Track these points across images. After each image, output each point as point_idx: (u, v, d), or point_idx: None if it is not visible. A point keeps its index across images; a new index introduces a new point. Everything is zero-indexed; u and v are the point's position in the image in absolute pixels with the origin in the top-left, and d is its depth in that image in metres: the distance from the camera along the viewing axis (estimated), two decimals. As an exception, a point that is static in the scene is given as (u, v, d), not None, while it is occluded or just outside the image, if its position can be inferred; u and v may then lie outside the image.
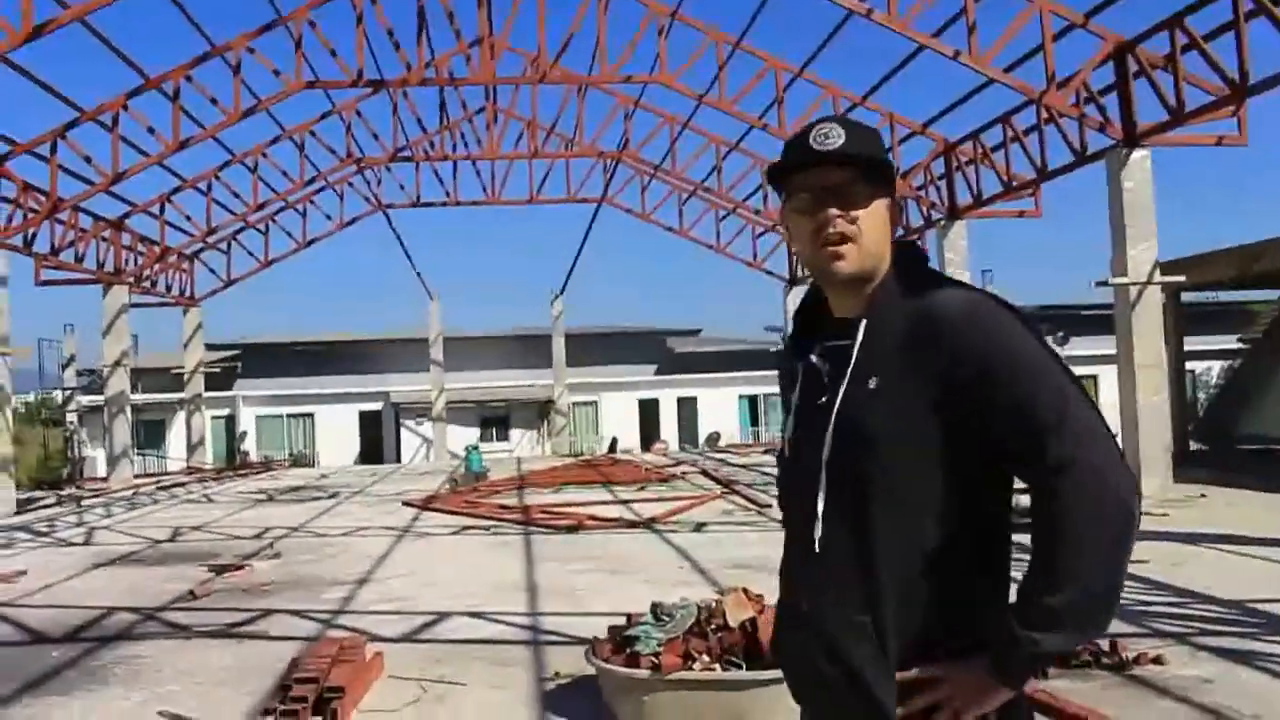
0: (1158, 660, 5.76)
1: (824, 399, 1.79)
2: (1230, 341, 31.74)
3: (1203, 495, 13.95)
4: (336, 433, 40.43)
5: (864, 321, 1.78)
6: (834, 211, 1.76)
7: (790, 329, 2.01)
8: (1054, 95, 14.63)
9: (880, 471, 1.71)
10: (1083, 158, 15.55)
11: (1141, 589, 7.77)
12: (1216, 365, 31.16)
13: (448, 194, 29.13)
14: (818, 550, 1.78)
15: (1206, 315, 33.47)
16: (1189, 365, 24.96)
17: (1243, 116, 14.17)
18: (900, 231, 1.90)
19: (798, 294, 30.57)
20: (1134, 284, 13.91)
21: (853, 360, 1.76)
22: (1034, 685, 4.45)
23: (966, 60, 14.57)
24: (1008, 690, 1.67)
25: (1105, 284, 14.33)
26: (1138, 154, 14.15)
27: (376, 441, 40.96)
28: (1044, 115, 16.28)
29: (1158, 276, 14.11)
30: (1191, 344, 24.02)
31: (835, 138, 1.76)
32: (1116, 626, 6.51)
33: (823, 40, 18.02)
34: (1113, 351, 14.88)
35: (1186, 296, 23.05)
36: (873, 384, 1.72)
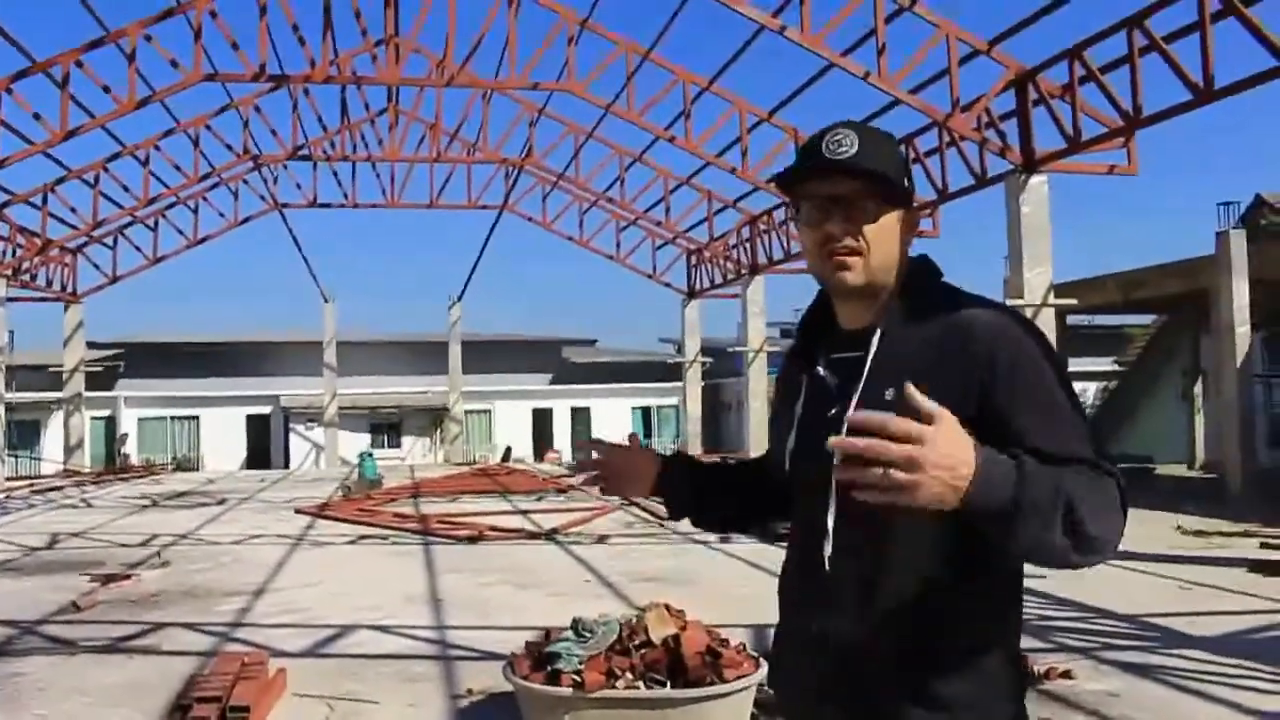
0: (1067, 675, 5.87)
1: (833, 411, 1.72)
2: (1108, 364, 32.97)
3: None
4: (223, 436, 39.28)
5: (878, 332, 1.72)
6: (840, 226, 1.71)
7: (796, 339, 1.94)
8: (957, 119, 14.95)
9: None
10: (982, 181, 15.93)
11: (1043, 604, 7.94)
12: (1093, 386, 32.30)
13: (346, 195, 28.54)
14: (827, 569, 1.72)
15: (1086, 337, 34.68)
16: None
17: (1133, 147, 14.68)
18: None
19: (696, 306, 31.00)
20: (1029, 305, 14.28)
21: (865, 371, 1.70)
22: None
23: (875, 80, 14.80)
24: (967, 480, 1.43)
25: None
26: (1035, 179, 14.55)
27: (264, 446, 39.94)
28: (946, 138, 16.64)
29: (1051, 299, 14.52)
30: (1072, 365, 24.83)
31: (848, 146, 1.70)
32: (1025, 642, 6.63)
33: (733, 54, 18.13)
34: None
35: (1071, 319, 23.84)
36: (889, 395, 1.64)
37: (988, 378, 1.62)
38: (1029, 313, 14.30)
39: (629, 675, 4.93)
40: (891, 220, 1.73)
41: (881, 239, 1.72)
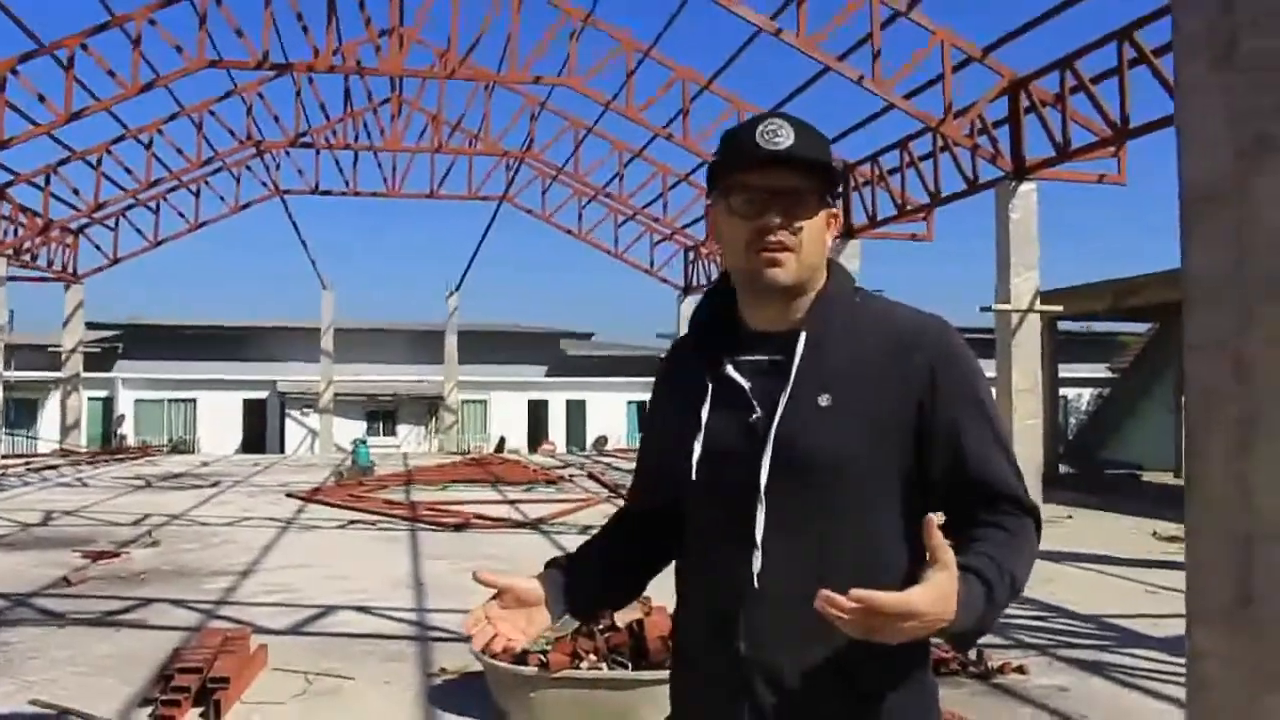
0: (1020, 670, 6.09)
1: (754, 417, 1.61)
2: (1101, 370, 33.18)
3: (1069, 517, 14.61)
4: (219, 420, 39.46)
5: (803, 335, 1.63)
6: (777, 220, 1.60)
7: (692, 337, 1.78)
8: (950, 125, 15.16)
9: (835, 496, 1.58)
10: (974, 186, 16.13)
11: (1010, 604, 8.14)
12: (1087, 392, 32.51)
13: (347, 183, 28.75)
14: (756, 586, 1.58)
15: (1080, 343, 34.90)
16: (1062, 391, 26.02)
17: (1122, 157, 14.88)
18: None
19: (692, 302, 31.14)
20: (1015, 311, 14.49)
21: (792, 375, 1.60)
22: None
23: (869, 85, 15.00)
24: (946, 623, 1.42)
25: (989, 309, 14.89)
26: (1025, 186, 14.75)
27: (260, 431, 40.10)
28: (940, 143, 16.83)
29: (1038, 305, 14.72)
30: (1065, 371, 25.05)
31: (785, 137, 1.59)
32: (985, 638, 6.84)
33: (731, 55, 18.32)
34: (992, 374, 15.48)
35: (1062, 325, 24.04)
36: (824, 401, 1.58)
37: (928, 391, 1.59)
38: (1014, 318, 14.52)
39: (593, 657, 5.15)
40: (822, 218, 1.65)
41: (814, 237, 1.64)
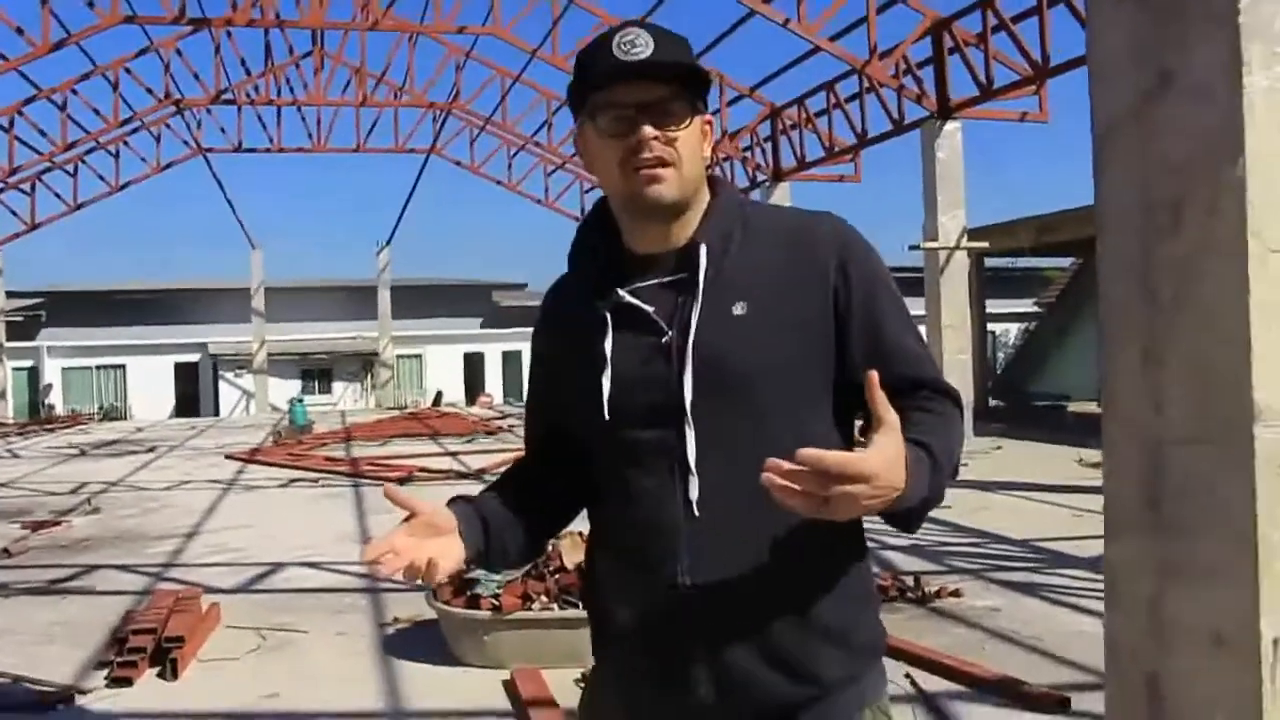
0: (955, 594, 6.33)
1: (666, 338, 1.53)
2: (1028, 305, 33.86)
3: (998, 448, 15.03)
4: (151, 385, 38.82)
5: (703, 247, 1.55)
6: (649, 131, 1.50)
7: (574, 273, 1.70)
8: (875, 66, 15.30)
9: (765, 408, 1.51)
10: (900, 127, 16.33)
11: (944, 532, 8.43)
12: (1014, 327, 33.16)
13: (271, 140, 28.26)
14: (697, 514, 1.51)
15: (1007, 280, 35.54)
16: (990, 327, 26.56)
17: (1044, 95, 15.18)
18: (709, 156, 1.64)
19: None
20: (943, 249, 14.77)
21: (700, 289, 1.53)
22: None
23: (795, 28, 15.07)
24: (897, 491, 1.35)
25: (917, 248, 15.16)
26: (950, 126, 14.98)
27: (193, 394, 39.57)
28: (866, 85, 16.98)
29: (965, 243, 15.01)
30: (993, 306, 25.54)
31: (643, 46, 1.50)
32: (920, 565, 7.10)
33: None
34: (922, 312, 15.79)
35: (990, 262, 24.49)
36: (738, 309, 1.52)
37: (841, 282, 1.54)
38: (942, 256, 14.80)
39: (544, 598, 5.27)
40: (697, 127, 1.56)
41: (692, 147, 1.55)
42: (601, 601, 1.67)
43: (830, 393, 1.56)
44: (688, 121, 1.54)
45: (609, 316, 1.58)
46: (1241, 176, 1.46)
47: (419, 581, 1.51)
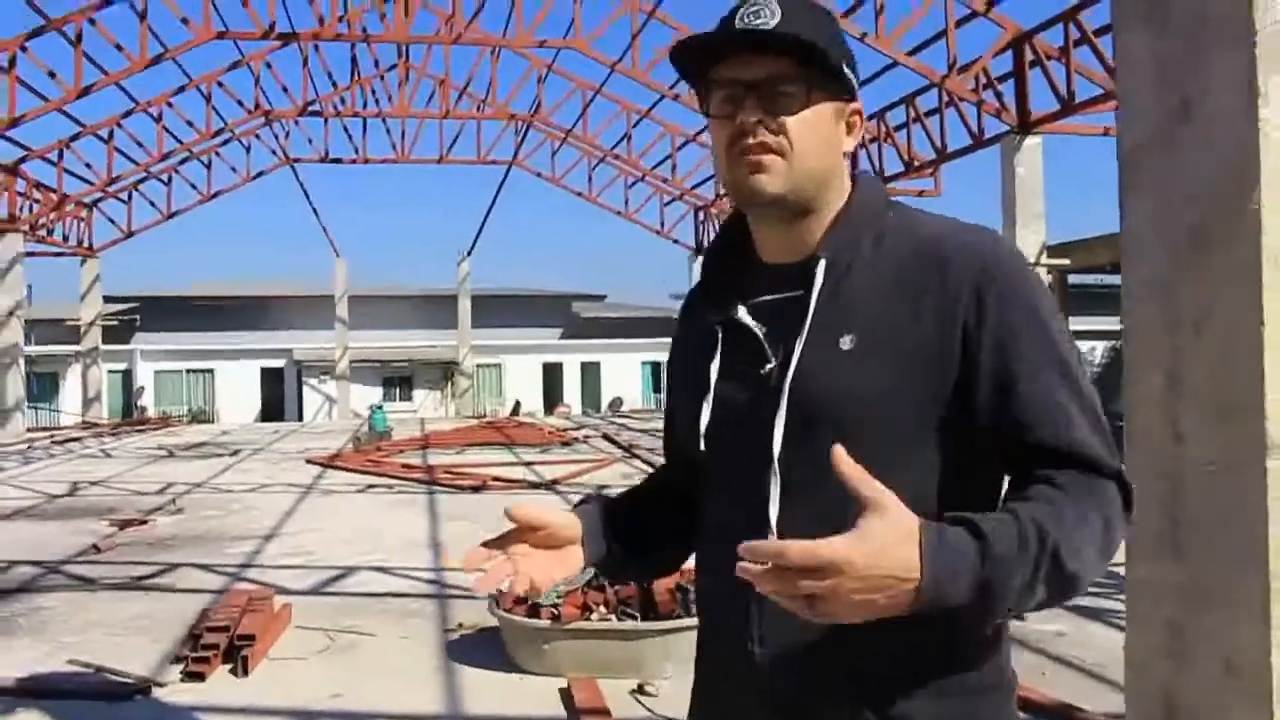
0: (1019, 617, 6.24)
1: (766, 368, 1.35)
2: (1114, 323, 33.08)
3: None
4: (237, 389, 39.88)
5: (822, 262, 1.34)
6: (752, 117, 1.31)
7: (702, 279, 1.51)
8: (954, 80, 15.17)
9: (865, 458, 1.15)
10: (980, 141, 16.16)
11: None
12: (1101, 345, 32.43)
13: (356, 151, 28.87)
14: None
15: (1092, 296, 34.81)
16: (1077, 344, 25.99)
17: (1129, 108, 14.89)
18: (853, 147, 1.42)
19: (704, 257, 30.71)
20: (1023, 265, 14.56)
21: (810, 314, 1.32)
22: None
23: (873, 42, 15.01)
24: (911, 591, 1.10)
25: (996, 264, 14.95)
26: (1030, 140, 14.79)
27: (278, 399, 40.51)
28: (945, 99, 16.83)
29: (1045, 259, 14.78)
30: (1077, 324, 25.01)
31: (767, 16, 1.31)
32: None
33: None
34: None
35: (1074, 278, 24.04)
36: (846, 343, 1.30)
37: (973, 319, 1.27)
38: (1021, 272, 14.59)
39: (603, 609, 5.34)
40: (825, 114, 1.34)
41: (810, 136, 1.33)
42: (699, 638, 1.52)
43: (951, 441, 1.29)
44: (805, 105, 1.32)
45: (721, 335, 1.41)
46: (1257, 207, 1.47)
47: (521, 593, 1.41)
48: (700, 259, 1.54)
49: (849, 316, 1.30)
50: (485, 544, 1.37)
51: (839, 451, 1.12)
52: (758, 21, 1.31)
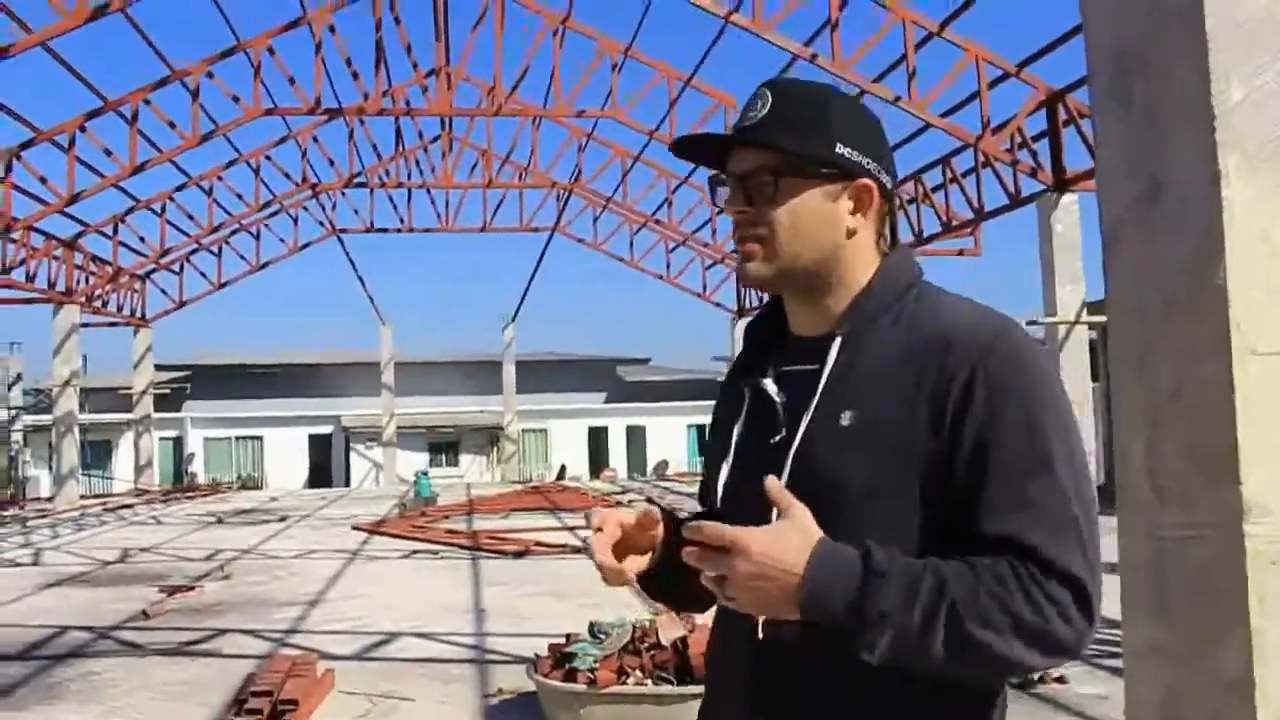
0: (1060, 680, 6.20)
1: (779, 437, 1.39)
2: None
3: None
4: (285, 456, 40.31)
5: (837, 339, 1.39)
6: (733, 208, 1.42)
7: (742, 346, 1.59)
8: (989, 141, 15.26)
9: (853, 531, 1.25)
10: (1016, 200, 16.20)
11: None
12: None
13: (401, 220, 29.42)
14: (760, 637, 1.35)
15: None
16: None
17: (1166, 165, 14.88)
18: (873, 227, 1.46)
19: (745, 325, 30.86)
20: (1062, 323, 14.51)
21: (820, 389, 1.37)
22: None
23: (906, 105, 15.17)
24: (794, 589, 1.20)
25: (1036, 323, 14.93)
26: (1067, 198, 14.82)
27: (326, 465, 40.88)
28: (981, 159, 16.92)
29: (1085, 316, 14.73)
30: (1124, 380, 24.72)
31: (758, 109, 1.40)
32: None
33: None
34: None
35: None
36: (846, 419, 1.33)
37: (959, 404, 1.28)
38: (1061, 331, 14.54)
39: (639, 673, 5.37)
40: (811, 198, 1.39)
41: (791, 221, 1.38)
42: (706, 690, 1.56)
43: (944, 524, 1.29)
44: (778, 193, 1.38)
45: (747, 400, 1.48)
46: (1222, 283, 1.55)
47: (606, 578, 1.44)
48: (743, 325, 1.63)
49: (853, 394, 1.34)
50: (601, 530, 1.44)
51: (770, 479, 1.25)
52: (749, 114, 1.40)
